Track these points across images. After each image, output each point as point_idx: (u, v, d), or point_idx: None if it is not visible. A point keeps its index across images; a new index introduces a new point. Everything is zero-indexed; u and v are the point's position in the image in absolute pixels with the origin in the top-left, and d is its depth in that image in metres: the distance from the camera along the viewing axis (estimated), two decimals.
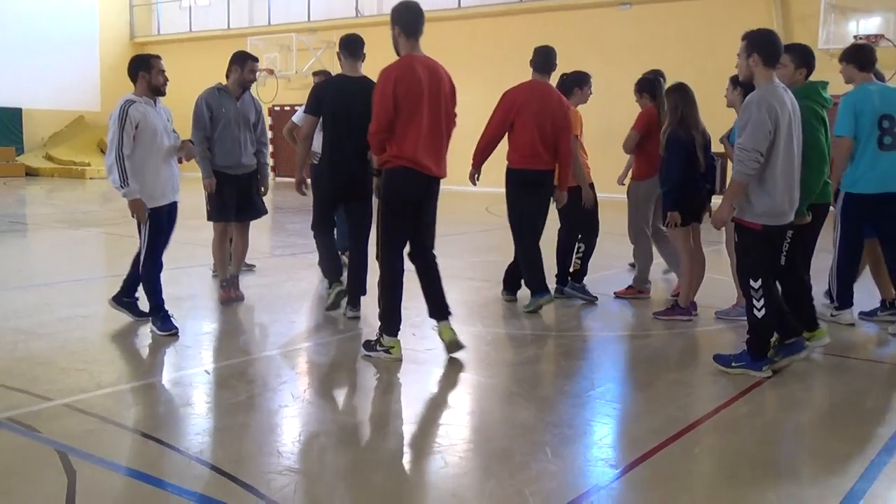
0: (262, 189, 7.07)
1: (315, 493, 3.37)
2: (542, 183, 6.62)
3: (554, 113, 6.53)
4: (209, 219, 6.90)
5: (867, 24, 16.43)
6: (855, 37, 16.23)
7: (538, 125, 6.47)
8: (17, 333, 5.79)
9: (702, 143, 6.19)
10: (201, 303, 7.06)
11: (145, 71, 5.56)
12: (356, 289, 6.31)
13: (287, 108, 23.37)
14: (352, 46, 6.41)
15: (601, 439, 4.04)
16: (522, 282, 6.86)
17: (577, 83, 7.06)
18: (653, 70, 7.54)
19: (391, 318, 5.18)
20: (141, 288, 5.89)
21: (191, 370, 5.11)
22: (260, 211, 7.08)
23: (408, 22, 5.01)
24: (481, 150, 6.66)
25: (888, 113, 5.94)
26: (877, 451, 3.80)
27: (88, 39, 27.25)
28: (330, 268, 6.64)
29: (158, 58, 5.75)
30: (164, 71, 5.69)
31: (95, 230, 12.32)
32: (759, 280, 4.84)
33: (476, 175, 6.74)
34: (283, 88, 23.97)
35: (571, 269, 7.17)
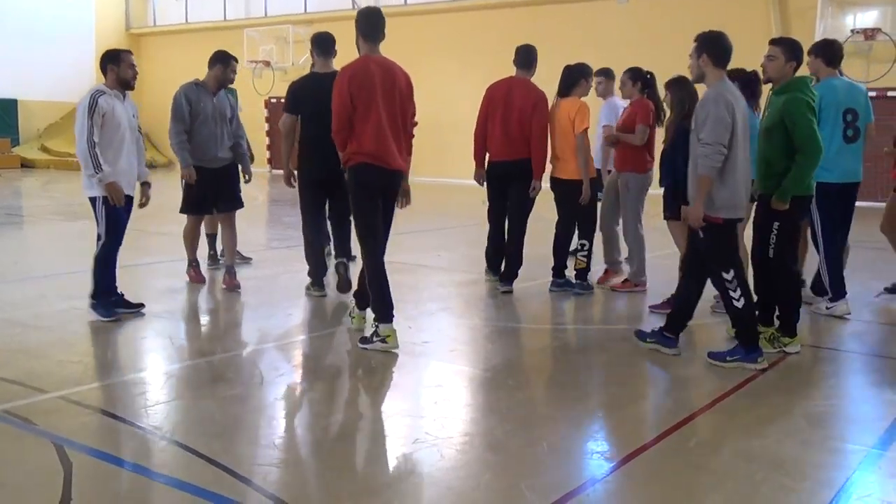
0: (247, 177, 7.27)
1: (310, 486, 3.38)
2: (509, 174, 6.94)
3: (521, 107, 6.84)
4: (181, 211, 7.06)
5: (864, 18, 16.42)
6: (852, 30, 16.23)
7: (503, 119, 6.87)
8: (13, 326, 5.78)
9: None
10: (198, 295, 7.06)
11: (114, 64, 5.71)
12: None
13: (283, 101, 23.31)
14: (324, 45, 6.77)
15: (597, 433, 4.04)
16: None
17: (582, 74, 7.07)
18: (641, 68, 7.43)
19: (382, 305, 5.26)
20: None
21: (186, 363, 5.12)
22: (238, 203, 7.23)
23: (366, 28, 5.32)
24: (474, 148, 7.11)
25: (851, 107, 6.19)
26: (871, 444, 3.82)
27: (84, 30, 27.11)
28: (312, 263, 6.91)
29: (129, 52, 5.95)
30: (134, 65, 5.86)
31: (91, 222, 12.28)
32: (732, 271, 4.92)
33: (480, 175, 7.19)
34: (280, 80, 23.88)
35: (577, 267, 7.11)
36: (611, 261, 7.65)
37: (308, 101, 6.49)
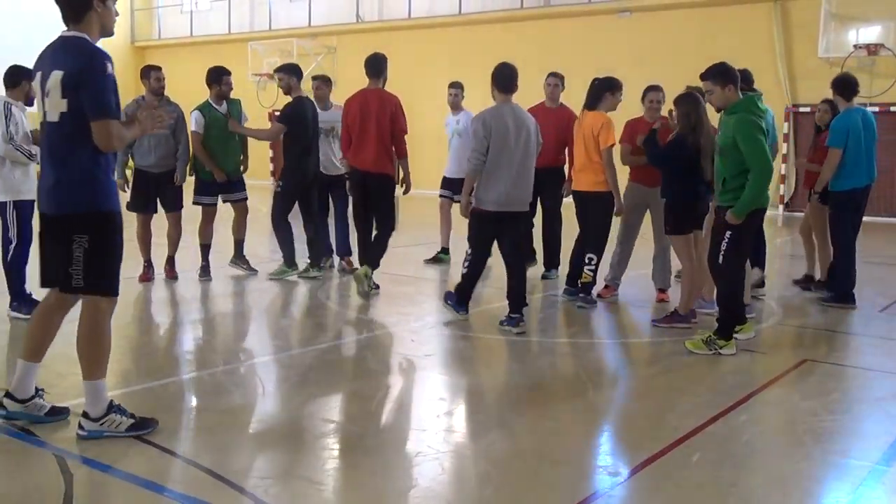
0: (177, 178, 7.82)
1: (311, 499, 3.36)
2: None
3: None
4: (127, 208, 7.54)
5: (867, 33, 16.44)
6: (855, 45, 16.24)
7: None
8: (13, 338, 5.77)
9: (710, 150, 6.16)
10: (196, 307, 7.06)
11: (27, 80, 5.92)
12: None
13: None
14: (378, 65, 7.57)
15: (600, 446, 4.03)
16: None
17: (607, 88, 7.00)
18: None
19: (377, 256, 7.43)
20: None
21: (186, 374, 5.11)
22: (177, 204, 7.91)
23: (368, 69, 7.32)
24: None
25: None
26: (875, 460, 3.80)
27: None
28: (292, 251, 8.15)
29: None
30: None
31: None
32: (471, 250, 6.29)
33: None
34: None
35: (582, 281, 7.05)
36: (614, 276, 7.56)
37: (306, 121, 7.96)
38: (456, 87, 9.16)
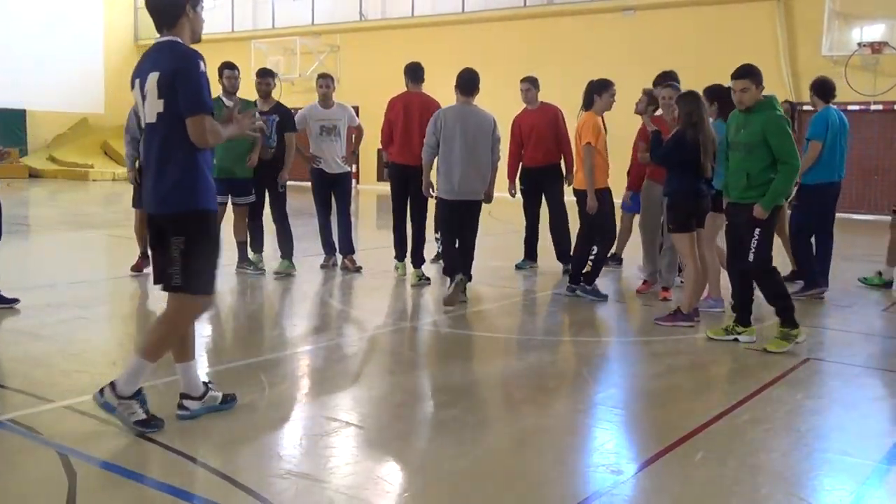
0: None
1: (315, 497, 3.37)
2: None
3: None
4: (133, 205, 8.02)
5: (871, 31, 16.42)
6: (859, 44, 16.22)
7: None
8: (18, 335, 5.79)
9: (711, 149, 6.19)
10: None
11: None
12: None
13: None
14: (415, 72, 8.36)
15: (602, 445, 4.03)
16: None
17: (595, 90, 7.21)
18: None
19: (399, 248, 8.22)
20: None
21: None
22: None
23: (410, 76, 8.32)
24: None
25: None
26: (878, 459, 3.80)
27: (93, 41, 27.29)
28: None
29: None
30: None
31: (97, 232, 12.34)
32: (440, 233, 7.43)
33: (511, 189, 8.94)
34: (287, 92, 23.98)
35: (584, 271, 7.27)
36: (650, 272, 7.69)
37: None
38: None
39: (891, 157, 16.07)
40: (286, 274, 8.12)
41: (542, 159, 8.55)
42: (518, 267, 8.89)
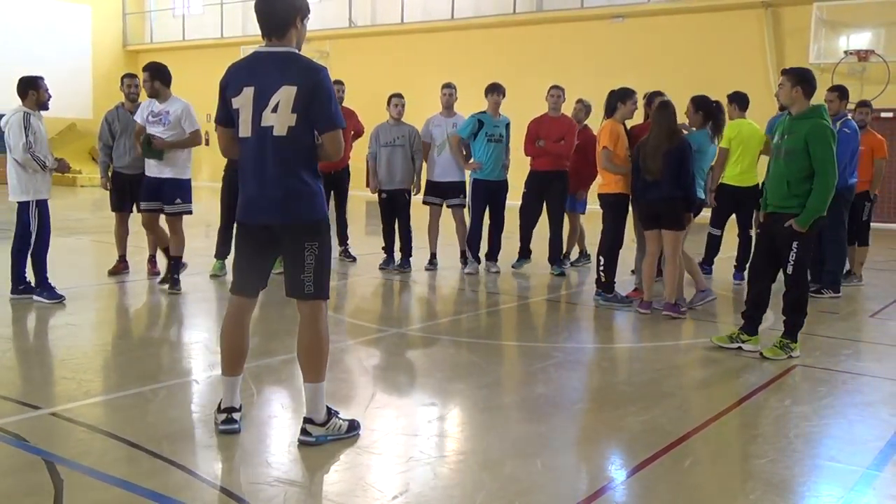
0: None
1: None
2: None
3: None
4: (111, 209, 8.49)
5: (857, 40, 16.54)
6: (845, 52, 16.34)
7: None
8: (5, 342, 5.75)
9: (651, 151, 6.70)
10: (192, 312, 7.03)
11: (34, 90, 7.13)
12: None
13: None
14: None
15: (592, 451, 4.03)
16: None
17: (617, 98, 7.40)
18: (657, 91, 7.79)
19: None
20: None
21: (180, 379, 5.08)
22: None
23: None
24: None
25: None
26: (866, 465, 3.81)
27: (81, 47, 27.22)
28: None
29: (42, 78, 7.28)
30: (48, 89, 7.21)
31: (86, 238, 12.29)
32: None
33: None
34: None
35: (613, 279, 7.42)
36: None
37: None
38: (450, 87, 9.17)
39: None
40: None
41: (552, 164, 8.74)
42: (515, 266, 9.11)
